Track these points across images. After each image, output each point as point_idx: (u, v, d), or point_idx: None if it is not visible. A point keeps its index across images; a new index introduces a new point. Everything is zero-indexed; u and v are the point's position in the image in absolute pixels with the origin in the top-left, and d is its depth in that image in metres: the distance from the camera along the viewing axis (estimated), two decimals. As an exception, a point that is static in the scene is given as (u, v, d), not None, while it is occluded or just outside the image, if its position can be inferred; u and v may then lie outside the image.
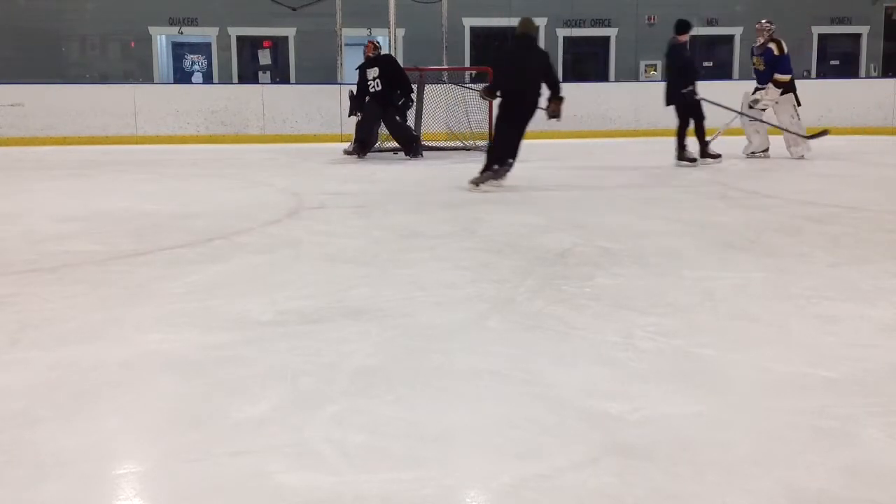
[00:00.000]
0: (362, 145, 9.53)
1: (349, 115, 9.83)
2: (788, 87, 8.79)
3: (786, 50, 8.72)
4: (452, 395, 2.27)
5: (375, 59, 9.34)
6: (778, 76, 8.66)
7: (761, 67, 8.83)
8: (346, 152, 9.65)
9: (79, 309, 3.19)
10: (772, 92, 8.72)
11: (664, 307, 3.12)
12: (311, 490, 1.73)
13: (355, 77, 9.74)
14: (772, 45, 8.70)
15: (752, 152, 9.07)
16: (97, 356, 2.59)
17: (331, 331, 2.85)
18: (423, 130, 10.52)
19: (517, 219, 5.30)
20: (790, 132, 8.85)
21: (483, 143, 10.48)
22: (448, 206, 5.91)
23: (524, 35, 6.92)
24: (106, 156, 10.01)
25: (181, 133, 11.93)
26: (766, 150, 9.05)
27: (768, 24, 8.79)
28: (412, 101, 9.65)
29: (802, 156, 8.80)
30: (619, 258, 4.02)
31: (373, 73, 9.27)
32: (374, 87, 9.28)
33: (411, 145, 9.59)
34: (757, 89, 8.94)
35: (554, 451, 1.90)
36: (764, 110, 8.91)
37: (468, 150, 10.43)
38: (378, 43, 9.61)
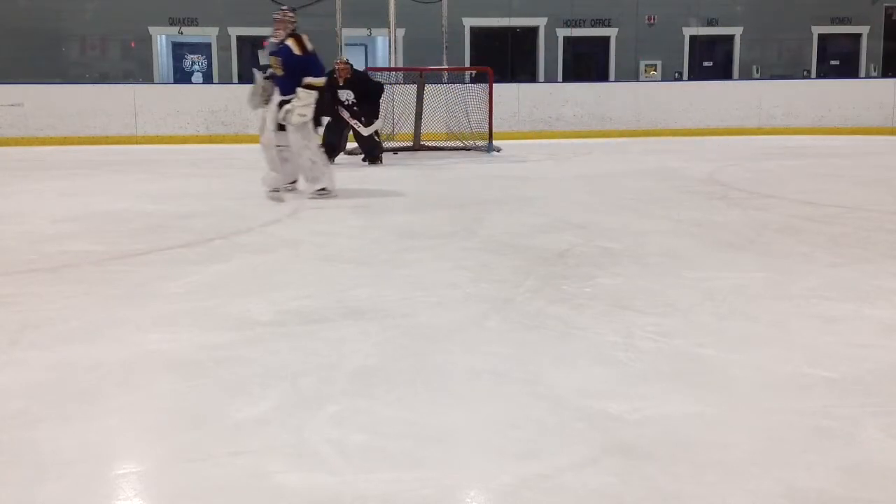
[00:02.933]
0: (330, 149, 9.32)
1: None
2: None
3: (310, 47, 6.31)
4: (452, 395, 2.27)
5: (347, 81, 8.94)
6: (310, 79, 6.21)
7: (279, 72, 6.28)
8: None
9: (79, 309, 3.19)
10: (304, 96, 6.18)
11: (664, 307, 3.12)
12: (311, 490, 1.73)
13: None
14: (290, 43, 6.24)
15: (275, 189, 6.37)
16: (97, 356, 2.59)
17: (331, 331, 2.85)
18: (423, 130, 10.53)
19: (517, 219, 5.30)
20: (304, 163, 6.39)
21: (483, 143, 10.51)
22: (448, 206, 5.91)
23: None
24: (106, 156, 10.02)
25: (181, 133, 11.94)
26: (295, 182, 6.64)
27: (290, 14, 6.40)
28: (380, 107, 9.30)
29: (324, 189, 6.35)
30: (619, 258, 4.02)
31: (345, 94, 8.96)
32: (348, 102, 9.00)
33: (373, 153, 9.32)
34: (283, 102, 6.25)
35: (554, 451, 1.90)
36: (305, 123, 6.25)
37: (468, 150, 10.43)
38: (349, 63, 9.11)
